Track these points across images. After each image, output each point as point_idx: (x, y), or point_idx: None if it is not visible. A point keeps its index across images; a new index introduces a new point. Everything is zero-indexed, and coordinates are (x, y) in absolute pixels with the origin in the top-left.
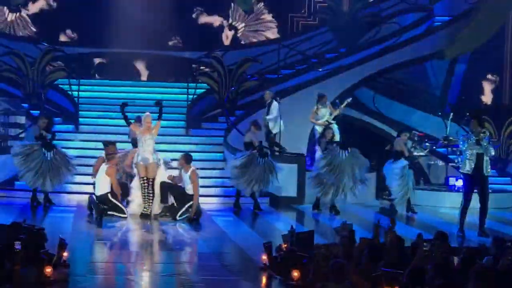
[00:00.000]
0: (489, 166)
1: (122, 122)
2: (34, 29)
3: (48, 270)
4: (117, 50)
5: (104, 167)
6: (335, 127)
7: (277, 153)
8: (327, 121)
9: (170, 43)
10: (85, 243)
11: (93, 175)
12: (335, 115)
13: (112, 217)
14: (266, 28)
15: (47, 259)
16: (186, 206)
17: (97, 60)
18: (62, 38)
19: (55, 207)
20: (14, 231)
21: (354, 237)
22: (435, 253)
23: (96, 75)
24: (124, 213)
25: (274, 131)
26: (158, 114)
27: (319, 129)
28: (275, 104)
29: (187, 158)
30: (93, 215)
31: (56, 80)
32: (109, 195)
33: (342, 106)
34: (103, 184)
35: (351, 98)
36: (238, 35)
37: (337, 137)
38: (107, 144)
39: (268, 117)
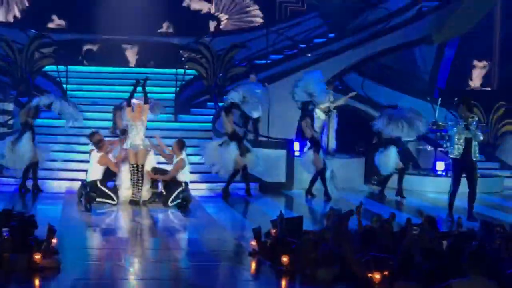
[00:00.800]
0: (478, 151)
1: (110, 108)
2: (18, 14)
3: (37, 257)
4: (105, 36)
5: (96, 155)
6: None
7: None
8: (328, 107)
9: (160, 29)
10: (75, 230)
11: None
12: (336, 104)
13: (102, 204)
14: (251, 18)
15: (36, 246)
16: (177, 192)
17: (85, 47)
18: (50, 25)
19: (44, 194)
20: (4, 218)
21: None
22: (423, 238)
23: (85, 62)
24: (114, 200)
25: (255, 116)
26: (143, 98)
27: (319, 114)
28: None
29: (180, 145)
30: (82, 202)
31: (44, 67)
32: (98, 182)
33: (346, 98)
34: (93, 171)
35: (355, 93)
36: (221, 26)
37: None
38: (92, 134)
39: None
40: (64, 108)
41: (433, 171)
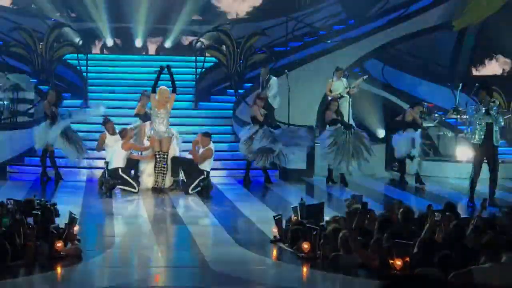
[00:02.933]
0: (499, 136)
1: (130, 96)
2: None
3: (59, 245)
4: (125, 24)
5: (118, 142)
6: (345, 102)
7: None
8: (340, 93)
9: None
10: (96, 218)
11: (98, 149)
12: (350, 92)
13: (123, 192)
14: None
15: (57, 234)
16: (198, 180)
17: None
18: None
19: (65, 182)
20: (27, 207)
21: (366, 208)
22: (444, 224)
23: (104, 50)
24: (135, 188)
25: (275, 106)
26: (171, 86)
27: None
28: (274, 79)
29: (208, 136)
30: (103, 189)
31: (64, 55)
32: (119, 170)
33: (357, 82)
34: (116, 158)
35: (366, 76)
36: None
37: (345, 111)
38: (105, 122)
39: (270, 93)
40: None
41: (454, 157)
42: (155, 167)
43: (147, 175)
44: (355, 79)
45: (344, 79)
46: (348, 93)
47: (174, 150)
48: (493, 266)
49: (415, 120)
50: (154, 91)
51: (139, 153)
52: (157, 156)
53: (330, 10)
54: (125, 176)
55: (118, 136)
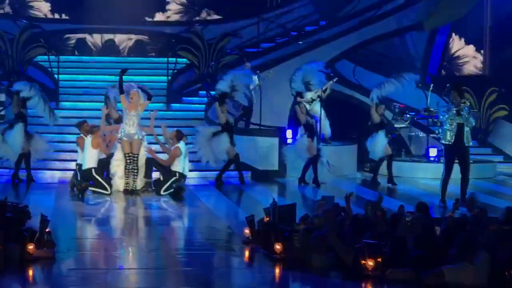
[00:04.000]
0: (470, 137)
1: (102, 98)
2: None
3: (31, 247)
4: (96, 26)
5: (89, 140)
6: (317, 105)
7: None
8: (311, 98)
9: (150, 19)
10: (68, 220)
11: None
12: (319, 94)
13: (95, 194)
14: None
15: (29, 236)
16: (170, 181)
17: (76, 36)
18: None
19: (36, 184)
20: None
21: (338, 209)
22: (416, 225)
23: (76, 52)
24: (107, 190)
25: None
26: (147, 95)
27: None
28: (254, 77)
29: (178, 134)
30: (75, 192)
31: (35, 57)
32: (93, 170)
33: (328, 85)
34: (88, 158)
35: (336, 78)
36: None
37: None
38: (81, 124)
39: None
40: (40, 108)
41: (425, 158)
42: (125, 168)
43: (119, 177)
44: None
45: None
46: (319, 96)
47: (144, 152)
48: (464, 266)
49: (383, 122)
50: (122, 92)
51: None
52: (127, 158)
53: (302, 11)
54: (98, 178)
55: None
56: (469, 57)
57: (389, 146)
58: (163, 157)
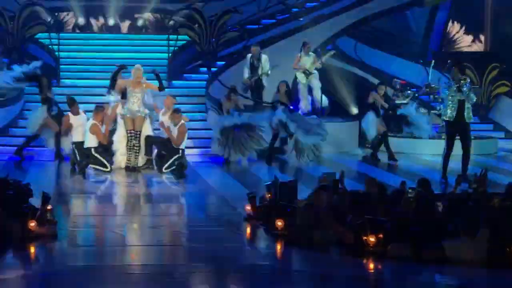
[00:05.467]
0: (471, 113)
1: (102, 75)
2: None
3: (32, 225)
4: (97, 3)
5: (90, 122)
6: (315, 79)
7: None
8: (307, 70)
9: None
10: (69, 197)
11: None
12: (316, 66)
13: (96, 171)
14: None
15: (30, 214)
16: (173, 159)
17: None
18: None
19: (37, 162)
20: (1, 187)
21: (337, 186)
22: (417, 200)
23: (76, 29)
24: (107, 167)
25: (265, 84)
26: (159, 85)
27: (300, 77)
28: (265, 57)
29: (178, 112)
30: (76, 169)
31: (36, 34)
32: (92, 150)
33: (324, 57)
34: (90, 137)
35: (334, 51)
36: None
37: (316, 89)
38: (72, 102)
39: (263, 71)
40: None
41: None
42: (127, 145)
43: (120, 154)
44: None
45: (313, 54)
46: (316, 68)
47: (147, 129)
48: (465, 241)
49: (375, 103)
50: (112, 87)
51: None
52: (129, 134)
53: None
54: (98, 156)
55: (82, 116)
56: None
57: (383, 124)
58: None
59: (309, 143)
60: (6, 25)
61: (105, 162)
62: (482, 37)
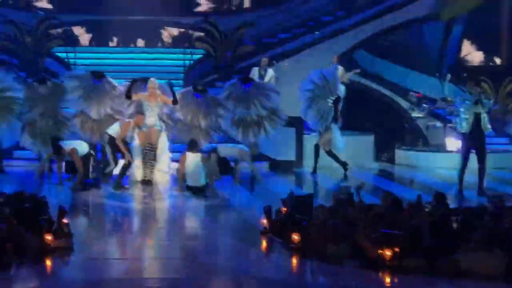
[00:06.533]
0: (487, 124)
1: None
2: None
3: (49, 238)
4: (112, 17)
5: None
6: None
7: None
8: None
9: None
10: (85, 210)
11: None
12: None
13: (109, 181)
14: None
15: (47, 226)
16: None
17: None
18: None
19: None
20: (18, 200)
21: (352, 199)
22: (433, 214)
23: (93, 43)
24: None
25: None
26: (172, 97)
27: None
28: (270, 71)
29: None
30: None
31: (52, 48)
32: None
33: (349, 73)
34: (115, 127)
35: (359, 70)
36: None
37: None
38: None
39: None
40: None
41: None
42: (143, 159)
43: (136, 167)
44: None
45: (341, 68)
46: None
47: (163, 143)
48: (481, 255)
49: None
50: (129, 97)
51: None
52: (145, 148)
53: (319, 1)
54: (121, 145)
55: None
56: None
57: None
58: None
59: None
60: (23, 39)
61: (128, 153)
62: (498, 51)
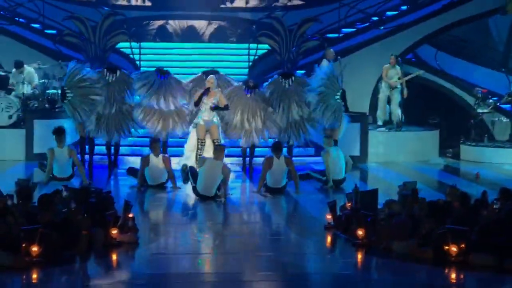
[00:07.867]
0: None
1: None
2: None
3: (114, 232)
4: (177, 12)
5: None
6: (397, 93)
7: None
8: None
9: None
10: (150, 206)
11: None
12: (400, 81)
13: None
14: None
15: (113, 221)
16: None
17: (157, 23)
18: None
19: (118, 170)
20: (83, 194)
21: (417, 195)
22: (501, 211)
23: (157, 38)
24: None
25: None
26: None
27: (384, 88)
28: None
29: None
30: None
31: (117, 43)
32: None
33: (409, 77)
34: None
35: (420, 72)
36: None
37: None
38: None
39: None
40: None
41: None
42: (197, 155)
43: (191, 163)
44: (408, 66)
45: (398, 67)
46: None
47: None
48: None
49: None
50: (197, 105)
51: None
52: (200, 143)
53: None
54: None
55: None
56: None
57: None
58: None
59: None
60: (89, 35)
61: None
62: None
